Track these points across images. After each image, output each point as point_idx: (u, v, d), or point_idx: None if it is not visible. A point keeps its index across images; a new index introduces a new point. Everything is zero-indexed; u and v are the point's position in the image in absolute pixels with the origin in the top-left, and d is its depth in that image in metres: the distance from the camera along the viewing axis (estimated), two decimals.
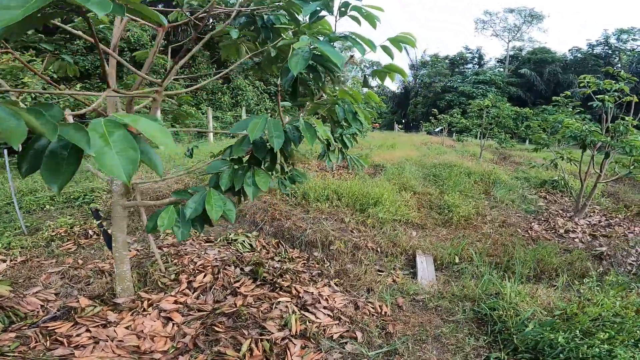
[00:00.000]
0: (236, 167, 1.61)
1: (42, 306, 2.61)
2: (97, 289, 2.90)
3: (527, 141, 24.72)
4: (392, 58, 1.84)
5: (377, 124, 36.80)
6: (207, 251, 3.88)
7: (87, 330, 2.28)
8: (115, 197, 2.45)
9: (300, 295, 3.05)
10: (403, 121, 42.18)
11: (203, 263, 3.52)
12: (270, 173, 1.72)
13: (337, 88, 2.01)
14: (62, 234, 4.25)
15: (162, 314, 2.59)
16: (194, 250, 3.87)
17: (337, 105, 1.79)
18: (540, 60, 37.13)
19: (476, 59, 43.77)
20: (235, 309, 2.70)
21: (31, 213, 5.44)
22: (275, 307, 2.81)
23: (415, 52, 44.54)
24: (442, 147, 16.13)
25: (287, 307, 2.81)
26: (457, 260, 4.50)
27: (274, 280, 3.27)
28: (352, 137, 2.68)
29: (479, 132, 14.30)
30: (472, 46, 49.95)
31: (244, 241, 4.48)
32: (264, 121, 1.40)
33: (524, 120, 13.49)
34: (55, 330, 2.25)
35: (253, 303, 2.85)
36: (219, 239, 4.46)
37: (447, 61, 41.87)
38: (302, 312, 2.78)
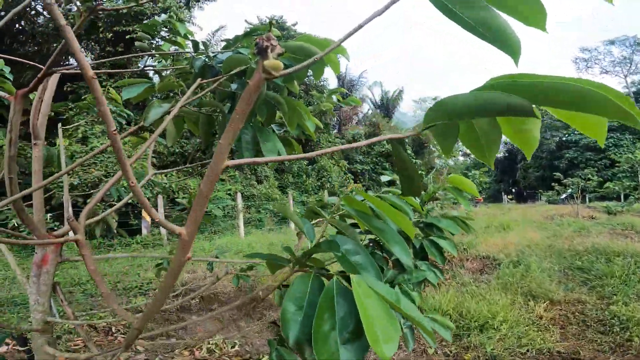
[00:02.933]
0: None
1: None
2: None
3: None
4: None
5: (480, 198, 31.86)
6: None
7: None
8: (35, 339, 1.53)
9: None
10: (513, 190, 36.11)
11: None
12: None
13: None
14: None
15: None
16: None
17: None
18: None
19: None
20: None
21: (93, 296, 5.20)
22: None
23: None
24: (578, 220, 12.08)
25: None
26: None
27: None
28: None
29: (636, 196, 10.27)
30: None
31: None
32: None
33: None
34: None
35: None
36: None
37: None
38: None
